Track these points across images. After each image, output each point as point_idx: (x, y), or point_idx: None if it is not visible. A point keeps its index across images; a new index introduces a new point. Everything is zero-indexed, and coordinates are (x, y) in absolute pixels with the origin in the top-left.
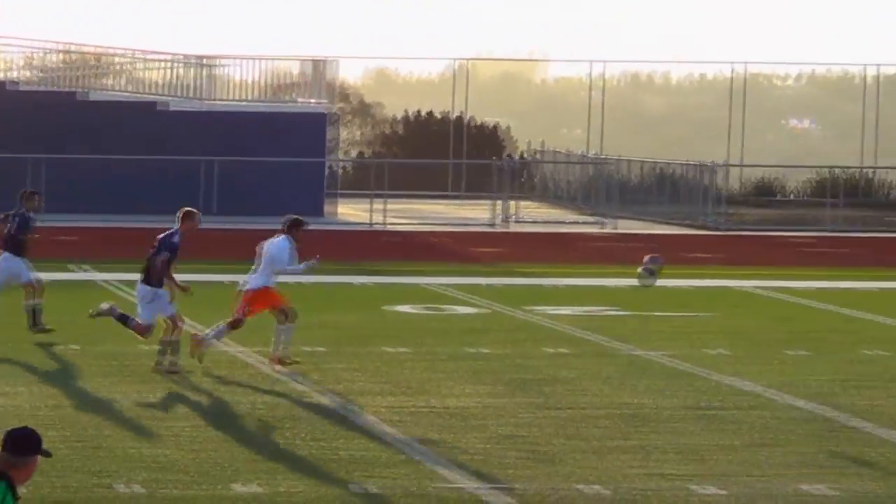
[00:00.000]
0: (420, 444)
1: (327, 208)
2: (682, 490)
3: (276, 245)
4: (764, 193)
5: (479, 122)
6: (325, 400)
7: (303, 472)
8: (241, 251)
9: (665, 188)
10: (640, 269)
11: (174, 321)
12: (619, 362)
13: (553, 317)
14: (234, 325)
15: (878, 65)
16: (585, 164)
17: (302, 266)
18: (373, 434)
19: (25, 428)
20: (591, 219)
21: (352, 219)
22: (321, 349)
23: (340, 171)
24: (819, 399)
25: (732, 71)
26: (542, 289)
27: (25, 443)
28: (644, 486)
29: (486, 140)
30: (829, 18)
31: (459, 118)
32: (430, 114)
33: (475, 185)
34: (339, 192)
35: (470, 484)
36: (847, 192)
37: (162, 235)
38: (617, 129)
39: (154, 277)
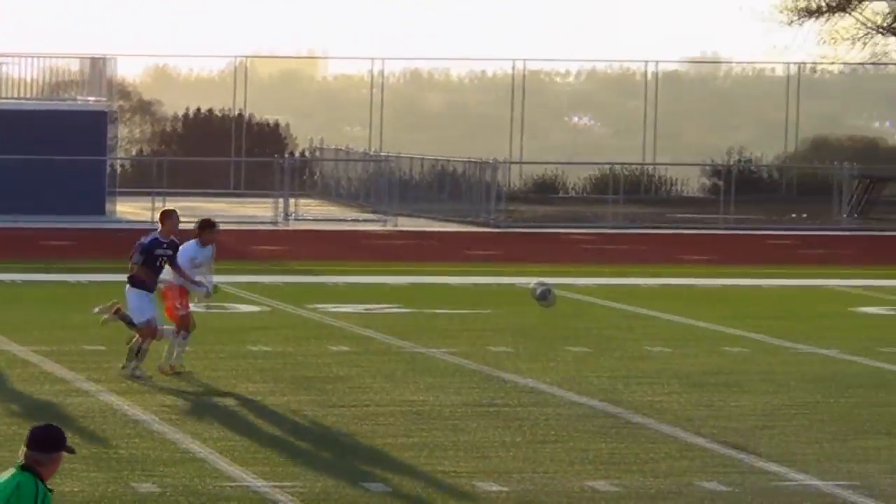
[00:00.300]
0: (202, 442)
1: (109, 207)
2: (466, 487)
3: (182, 247)
4: (545, 190)
5: (259, 120)
6: (104, 399)
7: (84, 471)
8: (23, 251)
9: (446, 185)
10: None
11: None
12: (402, 359)
13: (335, 314)
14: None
15: (657, 61)
16: (366, 162)
17: (200, 288)
18: (154, 432)
19: (49, 425)
20: (372, 216)
21: (133, 217)
22: (101, 348)
23: (120, 169)
24: (602, 395)
25: (513, 68)
26: (324, 286)
27: (50, 440)
28: (427, 482)
29: (268, 138)
30: (608, 15)
31: (240, 116)
32: (210, 112)
33: (257, 183)
34: (118, 190)
35: (253, 482)
36: (628, 188)
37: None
38: (398, 127)
39: (133, 280)
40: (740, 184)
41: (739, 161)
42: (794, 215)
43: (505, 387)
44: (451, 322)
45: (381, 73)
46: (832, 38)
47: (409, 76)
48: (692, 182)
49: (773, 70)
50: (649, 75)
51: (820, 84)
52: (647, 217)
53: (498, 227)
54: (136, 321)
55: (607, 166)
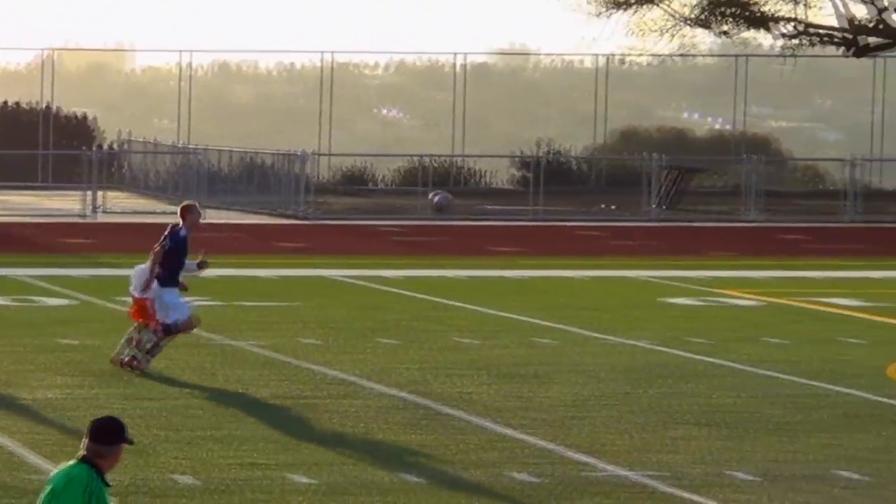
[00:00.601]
0: (10, 436)
1: None
2: (276, 479)
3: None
4: (354, 182)
5: (67, 113)
6: None
7: None
8: None
9: (255, 178)
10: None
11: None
12: (212, 352)
13: None
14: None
15: (466, 53)
16: (175, 154)
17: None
18: None
19: (109, 417)
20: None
21: None
22: None
23: None
24: (411, 387)
25: (322, 60)
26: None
27: (110, 432)
28: (237, 475)
29: (76, 131)
30: (417, 7)
31: (48, 108)
32: (17, 104)
33: (64, 176)
34: None
35: None
36: (437, 180)
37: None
38: (206, 119)
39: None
40: (550, 175)
41: (548, 152)
42: (603, 206)
43: (315, 379)
44: (260, 314)
45: (189, 65)
46: (641, 30)
47: (218, 69)
48: (502, 174)
49: (582, 62)
50: (458, 67)
51: (629, 76)
52: (457, 209)
53: (307, 219)
54: (171, 319)
55: (416, 158)
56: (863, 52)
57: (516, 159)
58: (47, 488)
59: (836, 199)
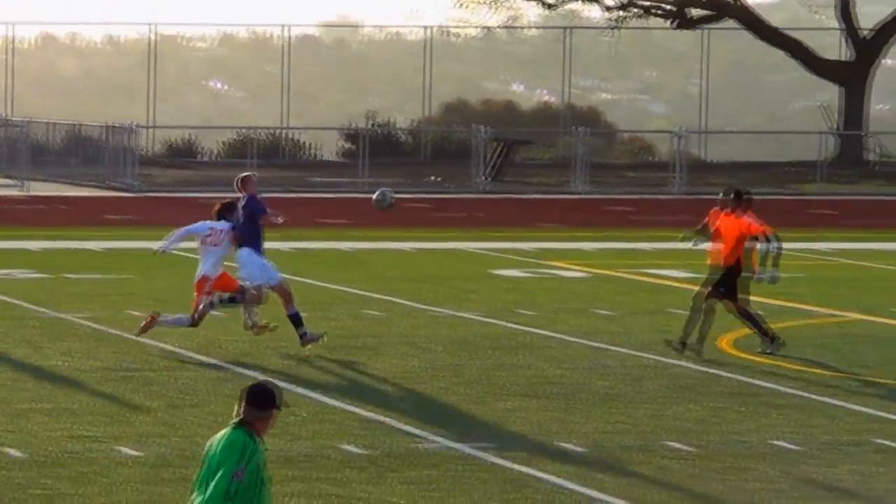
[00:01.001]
0: None
1: None
2: (105, 451)
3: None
4: (181, 155)
5: None
6: None
7: None
8: None
9: (80, 150)
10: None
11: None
12: (40, 325)
13: None
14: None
15: (291, 25)
16: None
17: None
18: None
19: (265, 383)
20: (6, 181)
21: None
22: None
23: None
24: (241, 359)
25: (153, 32)
26: None
27: (264, 397)
28: (65, 447)
29: None
30: None
31: None
32: None
33: None
34: None
35: None
36: (264, 153)
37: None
38: (31, 92)
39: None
40: (377, 147)
41: (374, 125)
42: (432, 179)
43: (144, 352)
44: (89, 287)
45: (13, 37)
46: (467, 2)
47: (43, 40)
48: (329, 146)
49: (410, 33)
50: (285, 39)
51: (456, 48)
52: (285, 181)
53: (135, 191)
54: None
55: (244, 131)
56: (688, 24)
57: (344, 132)
58: (207, 454)
59: (663, 171)
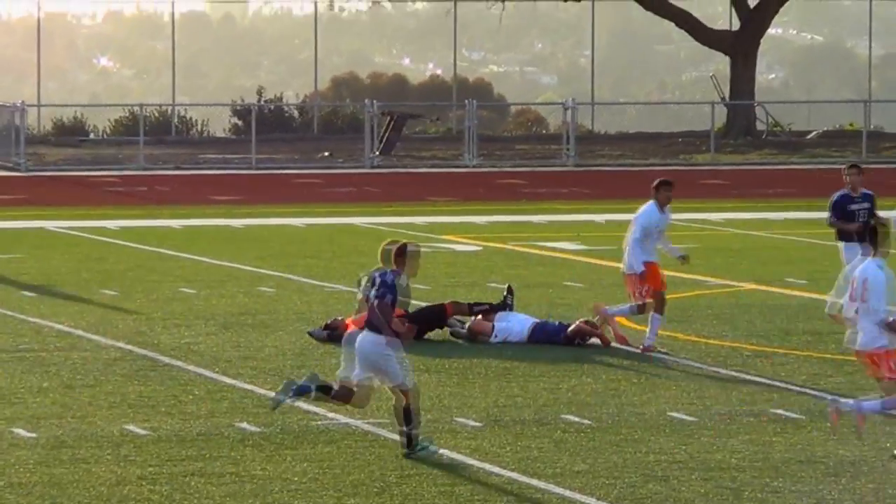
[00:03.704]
0: None
1: None
2: (2, 433)
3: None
4: (70, 133)
5: None
6: None
7: None
8: None
9: None
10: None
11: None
12: None
13: None
14: (642, 309)
15: (176, 1)
16: None
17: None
18: None
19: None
20: None
21: None
22: None
23: None
24: (133, 338)
25: (39, 10)
26: None
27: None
28: None
29: None
30: None
31: None
32: None
33: None
34: None
35: None
36: (154, 130)
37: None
38: None
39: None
40: (266, 123)
41: (264, 101)
42: (326, 154)
43: (37, 332)
44: None
45: None
46: None
47: None
48: (219, 122)
49: (298, 8)
50: (172, 16)
51: (345, 22)
52: (175, 158)
53: (24, 170)
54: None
55: (133, 108)
56: None
57: (233, 108)
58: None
59: (554, 144)
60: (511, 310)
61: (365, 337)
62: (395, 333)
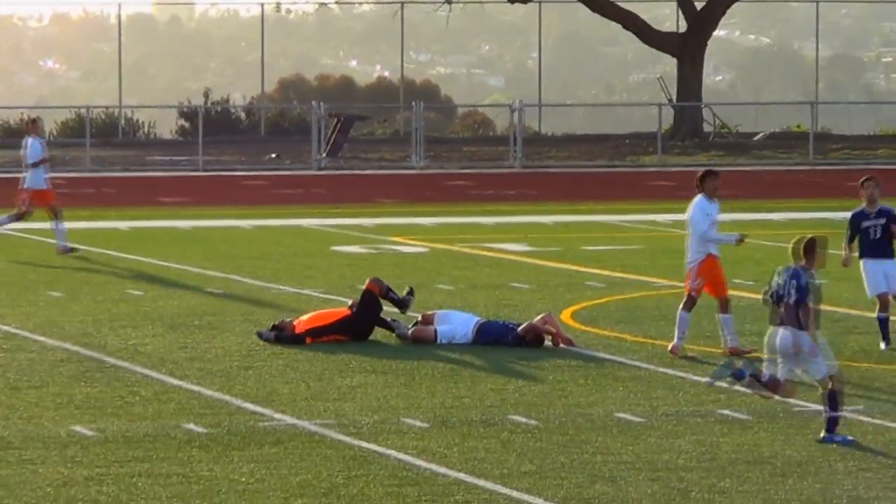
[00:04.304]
0: None
1: None
2: None
3: (693, 207)
4: (17, 135)
5: None
6: None
7: None
8: None
9: None
10: None
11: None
12: None
13: None
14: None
15: (122, 3)
16: None
17: (730, 237)
18: None
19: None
20: None
21: None
22: None
23: None
24: (80, 340)
25: None
26: None
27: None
28: None
29: None
30: None
31: None
32: None
33: None
34: None
35: None
36: (101, 132)
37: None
38: None
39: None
40: (213, 125)
41: (211, 102)
42: (273, 156)
43: None
44: None
45: None
46: None
47: None
48: (166, 124)
49: (245, 10)
50: (119, 18)
51: (292, 25)
52: (122, 160)
53: None
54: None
55: (79, 110)
56: None
57: (180, 110)
58: None
59: (501, 146)
60: (406, 308)
61: (784, 335)
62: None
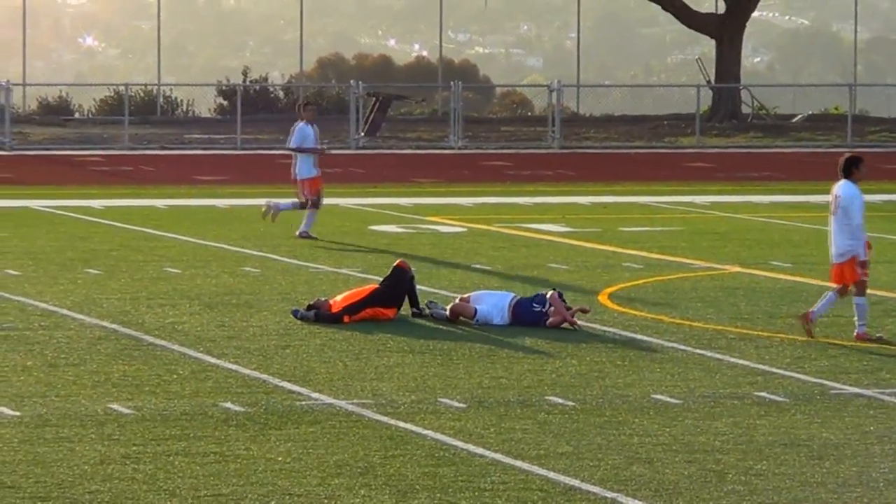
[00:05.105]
0: None
1: None
2: None
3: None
4: (56, 112)
5: None
6: None
7: None
8: None
9: None
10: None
11: None
12: None
13: None
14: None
15: None
16: None
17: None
18: None
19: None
20: None
21: None
22: None
23: None
24: (118, 318)
25: None
26: None
27: None
28: None
29: None
30: None
31: None
32: None
33: None
34: None
35: None
36: (139, 109)
37: None
38: None
39: None
40: (252, 104)
41: (249, 81)
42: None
43: (22, 310)
44: None
45: None
46: None
47: None
48: (204, 102)
49: None
50: None
51: (331, 3)
52: (160, 138)
53: (8, 149)
54: None
55: (118, 87)
56: None
57: (219, 88)
58: None
59: (539, 126)
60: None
61: None
62: None
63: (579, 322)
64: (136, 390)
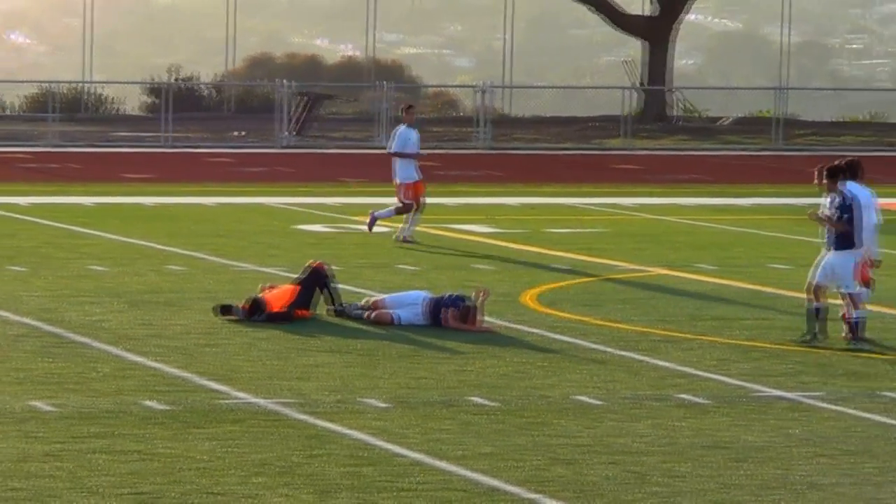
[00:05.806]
0: None
1: None
2: None
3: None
4: None
5: None
6: None
7: None
8: None
9: None
10: None
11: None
12: None
13: None
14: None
15: None
16: None
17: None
18: None
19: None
20: None
21: None
22: None
23: None
24: (41, 315)
25: None
26: None
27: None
28: None
29: None
30: None
31: None
32: None
33: None
34: None
35: None
36: (67, 107)
37: None
38: None
39: None
40: (180, 102)
41: (177, 79)
42: (235, 133)
43: None
44: None
45: None
46: None
47: None
48: (132, 100)
49: None
50: None
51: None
52: (87, 136)
53: None
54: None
55: (45, 84)
56: None
57: (146, 86)
58: None
59: (468, 126)
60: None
61: None
62: None
63: (486, 321)
64: (58, 388)
